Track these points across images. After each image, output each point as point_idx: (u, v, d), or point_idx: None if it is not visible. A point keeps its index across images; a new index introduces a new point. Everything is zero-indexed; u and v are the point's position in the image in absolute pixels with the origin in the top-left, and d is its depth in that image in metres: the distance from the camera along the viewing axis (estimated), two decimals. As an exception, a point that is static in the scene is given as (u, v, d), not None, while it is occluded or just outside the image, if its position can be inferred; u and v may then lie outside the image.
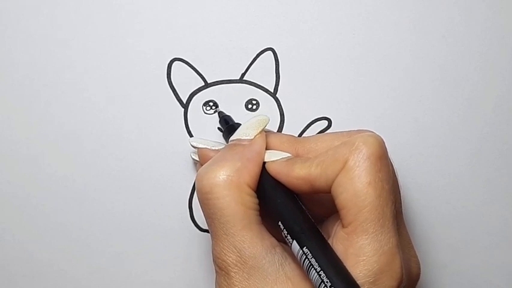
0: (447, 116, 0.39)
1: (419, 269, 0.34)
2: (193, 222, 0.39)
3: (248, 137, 0.34)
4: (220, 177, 0.31)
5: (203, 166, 0.33)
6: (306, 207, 0.33)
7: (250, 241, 0.31)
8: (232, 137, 0.35)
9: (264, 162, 0.33)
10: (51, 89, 0.38)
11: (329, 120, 0.38)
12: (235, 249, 0.31)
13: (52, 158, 0.38)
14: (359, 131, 0.33)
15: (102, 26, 0.38)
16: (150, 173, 0.38)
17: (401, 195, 0.39)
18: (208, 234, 0.38)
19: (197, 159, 0.37)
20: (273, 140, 0.35)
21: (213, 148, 0.35)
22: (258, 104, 0.38)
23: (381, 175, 0.30)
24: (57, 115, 0.38)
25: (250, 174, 0.32)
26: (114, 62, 0.38)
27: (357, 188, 0.29)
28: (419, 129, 0.39)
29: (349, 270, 0.29)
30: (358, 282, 0.29)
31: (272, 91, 0.38)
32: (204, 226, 0.39)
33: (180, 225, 0.39)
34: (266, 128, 0.35)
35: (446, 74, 0.39)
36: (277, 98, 0.38)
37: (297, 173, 0.32)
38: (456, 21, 0.38)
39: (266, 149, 0.34)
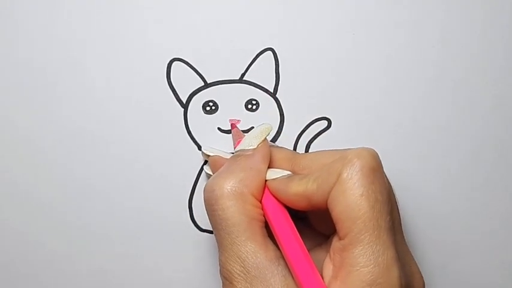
0: (447, 116, 0.39)
1: (423, 285, 0.33)
2: (193, 222, 0.39)
3: (251, 147, 0.34)
4: (225, 188, 0.32)
5: (210, 179, 0.34)
6: (313, 227, 0.34)
7: (253, 251, 0.31)
8: (237, 148, 0.35)
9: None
10: (51, 89, 0.38)
11: (329, 120, 0.38)
12: (239, 259, 0.31)
13: (52, 157, 0.38)
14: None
15: (102, 26, 0.38)
16: (150, 173, 0.39)
17: (401, 195, 0.39)
18: (208, 234, 0.39)
19: (210, 172, 0.37)
20: (272, 156, 0.35)
21: (225, 156, 0.36)
22: (258, 104, 0.38)
23: (374, 187, 0.30)
24: (57, 115, 0.38)
25: (254, 183, 0.33)
26: (113, 62, 0.38)
27: (349, 200, 0.30)
28: (419, 129, 0.39)
29: (343, 280, 0.29)
30: None
31: (272, 91, 0.38)
32: (204, 226, 0.39)
33: (180, 225, 0.39)
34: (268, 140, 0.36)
35: (445, 74, 0.39)
36: (277, 98, 0.38)
37: (294, 189, 0.32)
38: (456, 21, 0.38)
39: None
